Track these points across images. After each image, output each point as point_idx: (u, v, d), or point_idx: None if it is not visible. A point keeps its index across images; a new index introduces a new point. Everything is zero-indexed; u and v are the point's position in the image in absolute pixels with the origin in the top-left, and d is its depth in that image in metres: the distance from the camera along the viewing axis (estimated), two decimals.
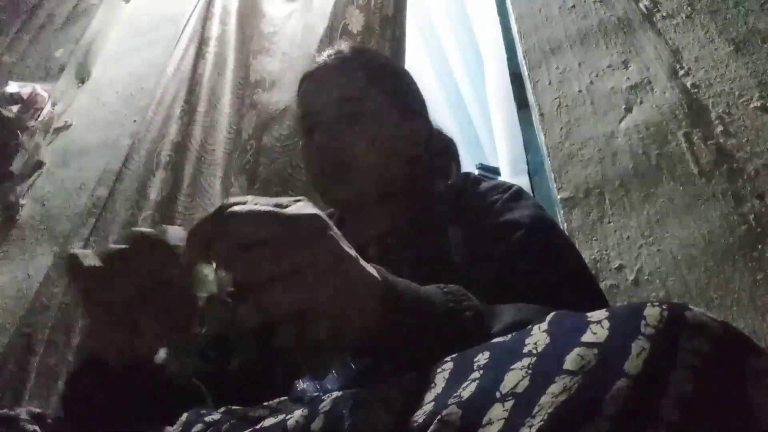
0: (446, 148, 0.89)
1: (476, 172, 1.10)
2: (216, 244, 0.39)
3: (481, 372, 0.33)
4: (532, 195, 1.24)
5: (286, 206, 0.40)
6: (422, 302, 0.45)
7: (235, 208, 0.38)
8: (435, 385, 0.35)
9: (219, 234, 0.39)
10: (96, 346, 0.51)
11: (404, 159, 0.80)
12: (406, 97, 0.85)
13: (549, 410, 0.28)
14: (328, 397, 0.41)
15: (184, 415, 0.51)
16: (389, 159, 0.78)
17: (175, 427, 0.49)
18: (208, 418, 0.49)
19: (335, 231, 0.40)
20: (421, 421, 0.32)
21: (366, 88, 0.78)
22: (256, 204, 0.39)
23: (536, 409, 0.28)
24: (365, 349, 0.44)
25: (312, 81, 0.82)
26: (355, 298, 0.40)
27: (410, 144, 0.81)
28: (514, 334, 0.36)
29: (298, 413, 0.41)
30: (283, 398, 0.53)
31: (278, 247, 0.37)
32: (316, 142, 0.76)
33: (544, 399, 0.28)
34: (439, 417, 0.31)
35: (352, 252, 0.41)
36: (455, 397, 0.32)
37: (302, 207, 0.40)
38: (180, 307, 0.44)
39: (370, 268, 0.43)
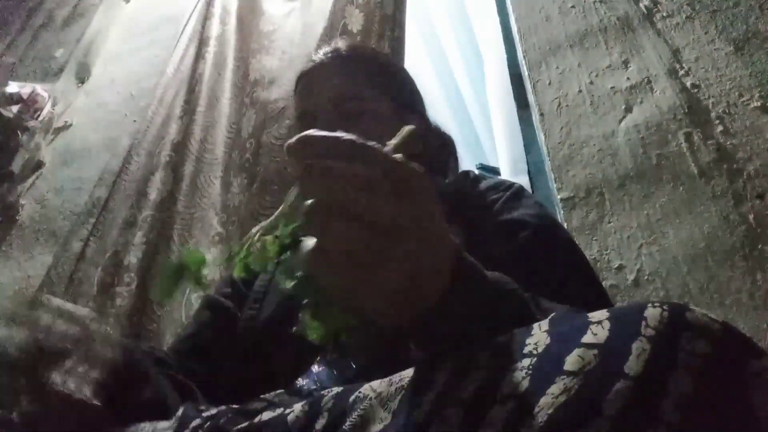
0: (444, 145, 0.88)
1: (476, 172, 1.10)
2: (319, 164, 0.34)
3: (482, 372, 0.33)
4: (531, 193, 1.24)
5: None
6: (493, 279, 0.43)
7: (358, 140, 0.35)
8: (435, 383, 0.35)
9: (330, 153, 0.34)
10: None
11: (405, 157, 0.80)
12: (404, 95, 0.84)
13: (549, 411, 0.28)
14: (329, 392, 0.41)
15: (180, 410, 0.51)
16: None
17: (171, 422, 0.49)
18: (206, 413, 0.49)
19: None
20: (421, 420, 0.32)
21: (363, 86, 0.78)
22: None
23: (536, 410, 0.28)
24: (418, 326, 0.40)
25: (309, 80, 0.81)
26: (434, 263, 0.37)
27: (409, 142, 0.81)
28: (514, 333, 0.36)
29: (298, 407, 0.41)
30: (279, 391, 0.53)
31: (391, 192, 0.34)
32: None
33: (544, 400, 0.28)
34: (439, 417, 0.31)
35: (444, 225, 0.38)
36: (455, 397, 0.32)
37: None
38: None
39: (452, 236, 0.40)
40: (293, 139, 0.35)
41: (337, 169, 0.34)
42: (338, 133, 0.35)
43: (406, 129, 0.44)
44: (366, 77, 0.79)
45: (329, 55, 0.81)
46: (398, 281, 0.34)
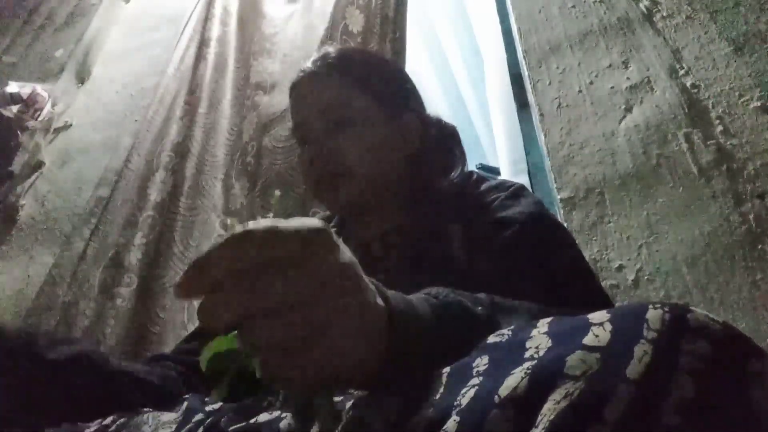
0: (446, 136, 0.88)
1: (478, 172, 1.10)
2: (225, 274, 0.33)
3: (481, 378, 0.33)
4: (533, 193, 1.24)
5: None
6: (428, 312, 0.42)
7: (250, 226, 0.32)
8: (433, 390, 0.34)
9: (230, 259, 0.32)
10: None
11: (399, 157, 0.80)
12: (394, 94, 0.83)
13: (551, 417, 0.28)
14: None
15: (185, 404, 0.51)
16: (383, 160, 0.77)
17: (176, 416, 0.50)
18: (209, 407, 0.50)
19: (346, 250, 0.36)
20: (420, 429, 0.32)
21: (350, 92, 0.78)
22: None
23: (538, 416, 0.28)
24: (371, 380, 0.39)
25: (298, 91, 0.82)
26: (365, 322, 0.36)
27: (404, 141, 0.81)
28: (512, 337, 0.36)
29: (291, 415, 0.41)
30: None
31: (295, 270, 0.32)
32: (308, 153, 0.77)
33: (546, 405, 0.28)
34: (436, 424, 0.31)
35: (361, 273, 0.37)
36: (455, 404, 0.32)
37: (308, 221, 0.35)
38: None
39: (372, 287, 0.39)
40: (179, 280, 0.33)
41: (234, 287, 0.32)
42: (214, 246, 0.33)
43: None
44: (353, 82, 0.78)
45: (317, 63, 0.81)
46: (331, 356, 0.33)
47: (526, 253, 0.63)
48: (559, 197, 1.15)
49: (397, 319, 0.38)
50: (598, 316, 0.33)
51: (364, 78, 0.80)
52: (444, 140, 0.86)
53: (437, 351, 0.40)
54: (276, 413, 0.43)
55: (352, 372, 0.35)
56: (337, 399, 0.40)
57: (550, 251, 0.65)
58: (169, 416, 0.50)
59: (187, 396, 0.57)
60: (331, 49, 0.84)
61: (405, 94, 0.86)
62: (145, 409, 0.52)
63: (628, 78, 1.25)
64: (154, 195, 1.57)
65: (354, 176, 0.74)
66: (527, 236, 0.65)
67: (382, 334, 0.37)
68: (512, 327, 0.38)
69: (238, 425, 0.44)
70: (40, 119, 1.99)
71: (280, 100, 1.58)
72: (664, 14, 1.32)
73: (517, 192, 0.73)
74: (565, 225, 1.10)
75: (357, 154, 0.75)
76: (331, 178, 0.75)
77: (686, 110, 1.15)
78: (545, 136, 1.25)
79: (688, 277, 0.97)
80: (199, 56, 1.86)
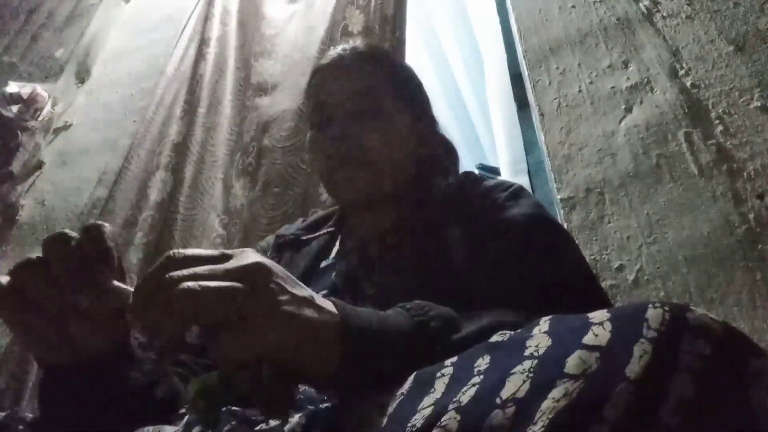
0: (448, 151, 0.89)
1: (476, 172, 1.10)
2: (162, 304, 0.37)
3: (482, 377, 0.33)
4: (531, 193, 1.24)
5: (230, 257, 0.40)
6: (385, 328, 0.45)
7: (183, 285, 0.37)
8: (435, 389, 0.34)
9: (166, 302, 0.37)
10: (33, 352, 0.54)
11: (414, 159, 0.81)
12: (417, 98, 0.85)
13: (550, 416, 0.28)
14: (326, 405, 0.42)
15: (185, 418, 0.51)
16: (401, 158, 0.78)
17: (178, 428, 0.49)
18: None
19: (283, 275, 0.41)
20: (419, 425, 0.32)
21: (381, 85, 0.78)
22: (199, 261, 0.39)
23: (537, 415, 0.28)
24: (330, 384, 0.44)
25: (327, 72, 0.80)
26: (310, 340, 0.40)
27: (421, 145, 0.82)
28: (513, 336, 0.36)
29: (295, 420, 0.41)
30: None
31: (227, 299, 0.37)
32: (332, 133, 0.75)
33: (545, 404, 0.28)
34: (438, 423, 0.31)
35: (305, 292, 0.41)
36: (455, 402, 0.32)
37: (247, 256, 0.40)
38: (105, 304, 0.48)
39: (328, 305, 0.43)
40: (132, 302, 0.39)
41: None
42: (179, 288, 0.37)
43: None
44: (383, 77, 0.79)
45: (347, 50, 0.81)
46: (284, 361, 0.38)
47: (528, 256, 0.63)
48: (559, 197, 1.15)
49: (352, 335, 0.42)
50: (598, 315, 0.33)
51: (391, 75, 0.81)
52: (446, 155, 0.87)
53: (391, 365, 0.43)
54: (276, 422, 0.43)
55: (308, 366, 0.40)
56: (326, 404, 0.41)
57: (552, 254, 0.65)
58: (169, 429, 0.50)
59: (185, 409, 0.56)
60: (359, 42, 0.84)
61: (424, 100, 0.88)
62: (147, 425, 0.52)
63: (628, 78, 1.25)
64: (154, 195, 1.57)
65: (374, 165, 0.74)
66: (530, 239, 0.65)
67: (335, 345, 0.41)
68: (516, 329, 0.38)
69: None
70: (40, 119, 1.99)
71: (281, 101, 1.58)
72: (664, 14, 1.32)
73: (516, 193, 0.73)
74: (565, 225, 1.10)
75: (380, 145, 0.75)
76: (350, 162, 0.74)
77: (686, 110, 1.15)
78: (545, 136, 1.25)
79: (688, 277, 0.97)
80: (199, 56, 1.86)
